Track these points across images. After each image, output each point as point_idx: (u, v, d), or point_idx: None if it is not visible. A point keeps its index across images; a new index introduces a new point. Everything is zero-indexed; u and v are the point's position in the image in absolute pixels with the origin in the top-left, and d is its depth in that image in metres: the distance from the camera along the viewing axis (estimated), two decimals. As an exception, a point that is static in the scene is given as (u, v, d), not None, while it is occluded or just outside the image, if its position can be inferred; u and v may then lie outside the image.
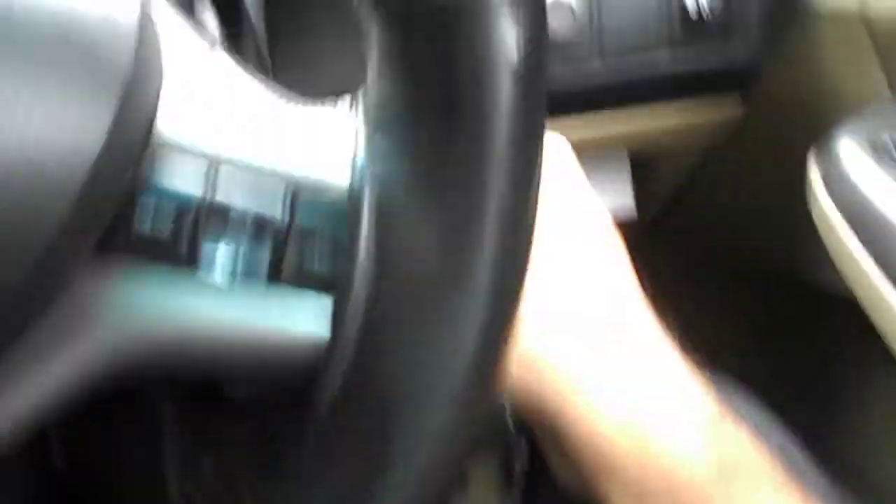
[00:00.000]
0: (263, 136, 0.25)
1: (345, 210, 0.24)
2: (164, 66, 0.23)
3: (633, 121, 0.56)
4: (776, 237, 0.70)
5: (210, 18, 0.45)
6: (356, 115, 0.26)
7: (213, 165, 0.24)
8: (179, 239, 0.22)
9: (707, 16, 0.50)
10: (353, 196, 0.24)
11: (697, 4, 0.49)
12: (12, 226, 0.19)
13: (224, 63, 0.26)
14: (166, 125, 0.23)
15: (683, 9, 0.50)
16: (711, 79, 0.54)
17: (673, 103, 0.55)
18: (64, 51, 0.20)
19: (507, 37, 0.21)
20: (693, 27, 0.51)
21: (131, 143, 0.21)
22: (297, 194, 0.24)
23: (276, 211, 0.24)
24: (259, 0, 0.50)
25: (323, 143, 0.25)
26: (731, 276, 0.82)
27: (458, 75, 0.21)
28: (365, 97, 0.25)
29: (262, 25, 0.52)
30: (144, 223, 0.22)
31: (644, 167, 0.66)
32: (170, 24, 0.26)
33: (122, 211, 0.22)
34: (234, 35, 0.51)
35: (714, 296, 0.84)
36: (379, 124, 0.24)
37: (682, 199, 0.73)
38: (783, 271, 0.73)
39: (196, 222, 0.23)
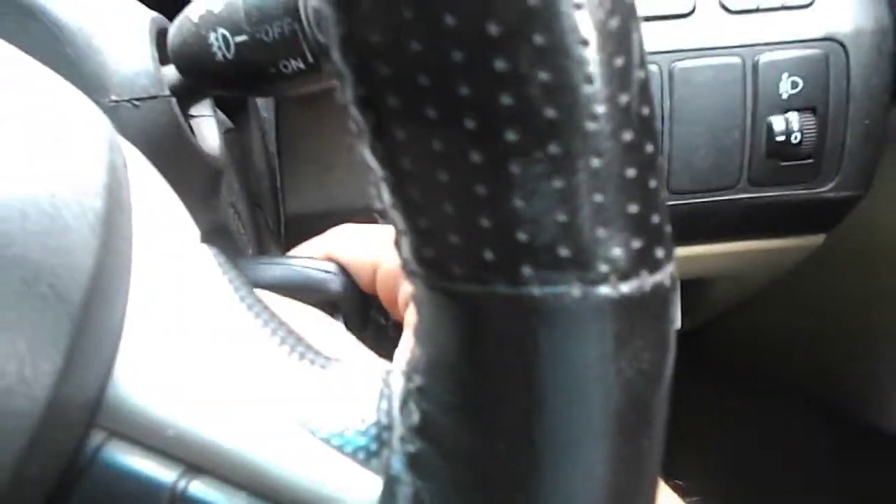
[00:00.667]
0: (258, 430, 0.18)
1: None
2: (132, 288, 0.19)
3: (692, 255, 0.49)
4: (833, 371, 0.64)
5: (212, 111, 0.39)
6: (391, 401, 0.18)
7: (186, 460, 0.18)
8: None
9: (796, 150, 0.43)
10: None
11: (787, 135, 0.43)
12: None
13: (213, 287, 0.21)
14: (127, 384, 0.18)
15: (769, 142, 0.43)
16: (795, 220, 0.47)
17: (745, 242, 0.48)
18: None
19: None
20: (778, 163, 0.44)
21: (78, 407, 0.17)
22: None
23: None
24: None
25: (341, 434, 0.19)
26: (769, 401, 0.77)
27: (540, 392, 0.15)
28: (407, 384, 0.18)
29: (272, 118, 0.46)
30: None
31: (697, 283, 0.59)
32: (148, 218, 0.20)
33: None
34: (240, 127, 0.45)
35: (749, 418, 0.78)
36: (426, 436, 0.17)
37: (732, 313, 0.67)
38: (827, 404, 0.67)
39: None
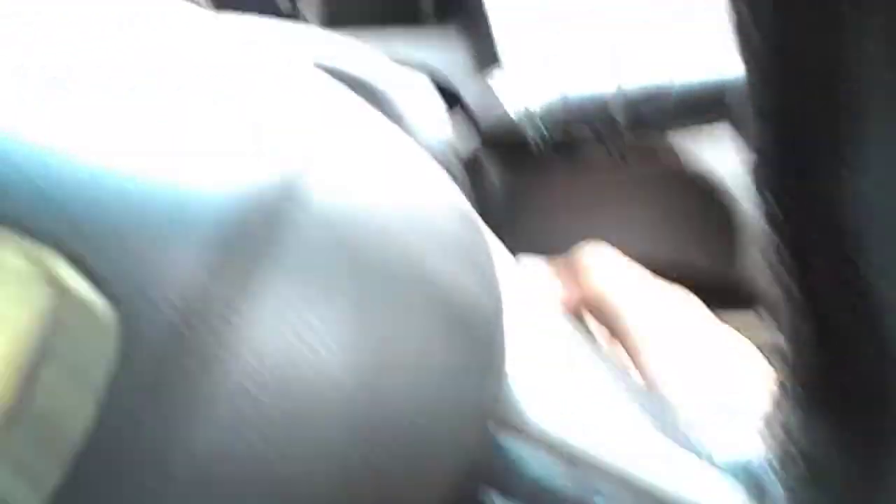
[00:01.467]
0: (638, 445, 0.20)
1: None
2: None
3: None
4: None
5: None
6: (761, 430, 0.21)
7: (581, 469, 0.20)
8: None
9: None
10: None
11: None
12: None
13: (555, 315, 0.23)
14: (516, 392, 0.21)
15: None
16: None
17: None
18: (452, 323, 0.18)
19: None
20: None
21: (481, 404, 0.20)
22: None
23: None
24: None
25: (716, 458, 0.21)
26: None
27: None
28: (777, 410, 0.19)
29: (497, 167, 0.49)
30: None
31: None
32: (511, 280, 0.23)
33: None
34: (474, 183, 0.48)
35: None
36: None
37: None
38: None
39: None
